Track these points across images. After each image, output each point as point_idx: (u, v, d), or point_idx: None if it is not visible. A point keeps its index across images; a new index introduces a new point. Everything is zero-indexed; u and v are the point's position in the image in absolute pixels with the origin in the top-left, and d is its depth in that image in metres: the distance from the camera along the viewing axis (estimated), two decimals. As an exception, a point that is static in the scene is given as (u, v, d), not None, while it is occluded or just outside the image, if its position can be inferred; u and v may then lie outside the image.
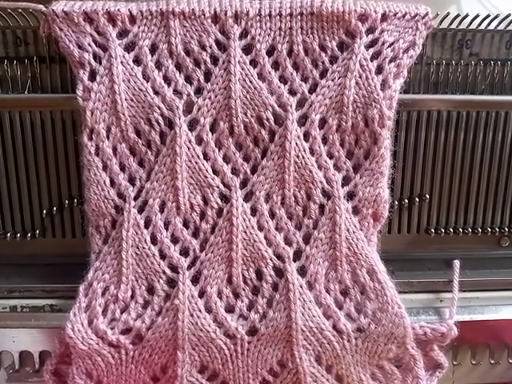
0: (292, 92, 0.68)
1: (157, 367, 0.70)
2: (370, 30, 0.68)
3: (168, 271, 0.69)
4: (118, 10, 0.66)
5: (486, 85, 0.75)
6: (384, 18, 0.68)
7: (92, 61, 0.67)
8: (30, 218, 0.77)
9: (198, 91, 0.68)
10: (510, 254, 0.82)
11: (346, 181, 0.70)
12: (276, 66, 0.68)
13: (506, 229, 0.80)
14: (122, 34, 0.67)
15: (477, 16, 0.73)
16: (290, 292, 0.68)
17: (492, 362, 0.79)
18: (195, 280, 0.70)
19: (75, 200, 0.75)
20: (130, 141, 0.69)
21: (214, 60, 0.68)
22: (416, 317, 0.74)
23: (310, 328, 0.68)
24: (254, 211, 0.70)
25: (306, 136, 0.69)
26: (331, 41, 0.68)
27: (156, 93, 0.68)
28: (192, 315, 0.68)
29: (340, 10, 0.66)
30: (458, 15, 0.72)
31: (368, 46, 0.68)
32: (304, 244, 0.70)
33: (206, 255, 0.69)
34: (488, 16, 0.73)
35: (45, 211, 0.76)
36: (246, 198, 0.70)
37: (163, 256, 0.70)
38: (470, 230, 0.80)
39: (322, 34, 0.68)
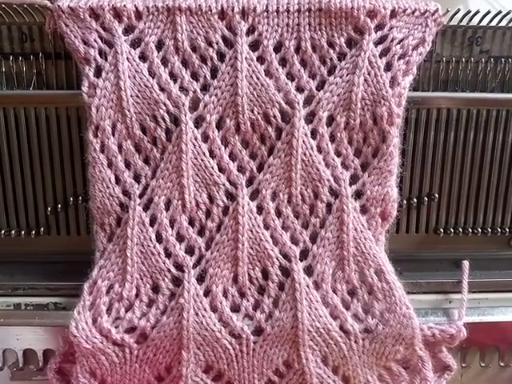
0: (299, 89, 0.68)
1: (161, 367, 0.69)
2: (379, 27, 0.67)
3: (173, 270, 0.69)
4: (124, 5, 0.66)
5: (497, 82, 0.74)
6: (393, 14, 0.67)
7: (98, 57, 0.66)
8: (34, 215, 0.76)
9: (205, 88, 0.68)
10: (520, 254, 0.82)
11: (353, 179, 0.69)
12: (283, 62, 0.68)
13: (516, 229, 0.79)
14: (128, 30, 0.67)
15: (487, 13, 0.72)
16: (297, 292, 0.68)
17: (501, 364, 0.78)
18: (200, 279, 0.69)
19: (80, 197, 0.75)
20: (135, 138, 0.68)
21: (221, 56, 0.67)
22: (424, 318, 0.73)
23: (316, 328, 0.68)
24: (260, 209, 0.69)
25: (314, 134, 0.68)
26: (339, 37, 0.67)
27: (162, 89, 0.67)
28: (197, 314, 0.67)
29: (348, 6, 0.66)
30: (468, 12, 0.71)
31: (377, 43, 0.67)
32: (311, 243, 0.70)
33: (212, 254, 0.69)
34: (499, 13, 0.72)
35: (49, 208, 0.76)
36: (252, 197, 0.69)
37: (168, 254, 0.69)
38: (480, 230, 0.79)
39: (330, 30, 0.67)
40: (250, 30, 0.67)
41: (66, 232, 0.77)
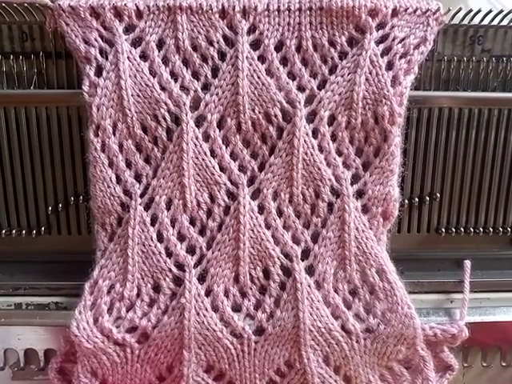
0: (301, 88, 0.68)
1: (162, 366, 0.69)
2: (381, 26, 0.67)
3: (174, 269, 0.69)
4: (125, 4, 0.66)
5: (498, 82, 0.74)
6: (394, 13, 0.67)
7: (98, 56, 0.66)
8: (35, 214, 0.76)
9: (206, 87, 0.67)
10: (522, 254, 0.81)
11: (355, 179, 0.69)
12: (284, 61, 0.68)
13: (518, 229, 0.79)
14: (129, 29, 0.67)
15: (489, 12, 0.71)
16: (298, 291, 0.68)
17: (503, 364, 0.78)
18: (202, 278, 0.69)
19: (81, 197, 0.75)
20: (136, 137, 0.68)
21: (222, 55, 0.67)
22: (426, 318, 0.73)
23: (318, 328, 0.67)
24: (261, 209, 0.69)
25: (315, 133, 0.68)
26: (341, 36, 0.67)
27: (163, 88, 0.67)
28: (198, 314, 0.67)
29: (350, 5, 0.66)
30: (470, 11, 0.71)
31: (378, 42, 0.67)
32: (312, 243, 0.69)
33: (213, 253, 0.69)
34: (500, 12, 0.72)
35: (50, 208, 0.76)
36: (254, 196, 0.69)
37: (169, 254, 0.69)
38: (481, 229, 0.79)
39: (332, 29, 0.67)
40: (251, 29, 0.67)
41: (66, 231, 0.77)
